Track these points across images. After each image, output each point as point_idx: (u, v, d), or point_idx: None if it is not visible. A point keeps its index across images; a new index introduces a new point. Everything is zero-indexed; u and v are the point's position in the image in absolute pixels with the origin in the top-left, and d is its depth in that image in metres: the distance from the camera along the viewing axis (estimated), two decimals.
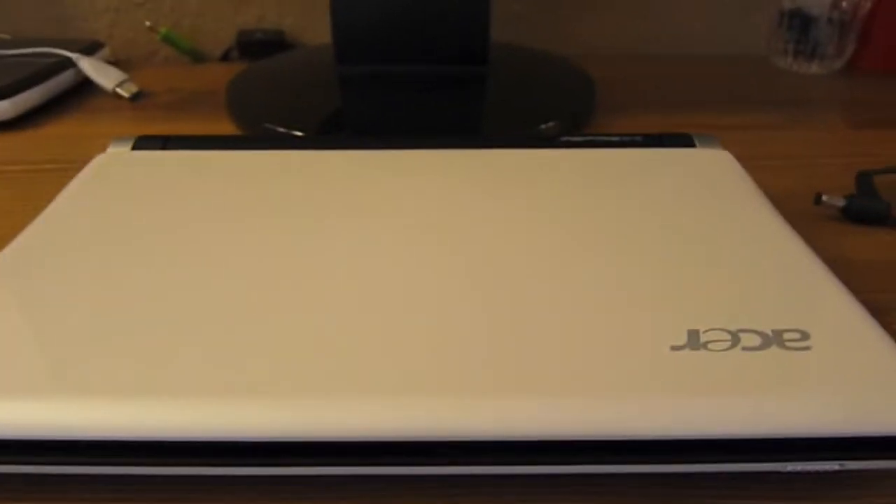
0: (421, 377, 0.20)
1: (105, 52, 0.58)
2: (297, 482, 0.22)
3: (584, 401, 0.20)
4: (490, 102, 0.48)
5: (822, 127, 0.48)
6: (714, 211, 0.29)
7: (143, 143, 0.35)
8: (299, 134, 0.43)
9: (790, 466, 0.20)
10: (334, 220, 0.28)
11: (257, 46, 0.63)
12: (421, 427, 0.19)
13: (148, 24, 0.61)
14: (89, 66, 0.53)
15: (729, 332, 0.22)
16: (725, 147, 0.35)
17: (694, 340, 0.22)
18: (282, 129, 0.43)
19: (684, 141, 0.36)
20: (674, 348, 0.21)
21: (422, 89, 0.48)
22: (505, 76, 0.51)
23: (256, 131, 0.44)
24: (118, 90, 0.52)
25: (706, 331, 0.22)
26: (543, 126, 0.44)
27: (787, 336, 0.22)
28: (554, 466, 0.20)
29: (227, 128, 0.47)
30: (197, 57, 0.64)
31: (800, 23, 0.59)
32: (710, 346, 0.21)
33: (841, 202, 0.36)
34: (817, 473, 0.22)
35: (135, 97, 0.53)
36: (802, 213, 0.37)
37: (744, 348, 0.21)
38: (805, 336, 0.22)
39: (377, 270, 0.25)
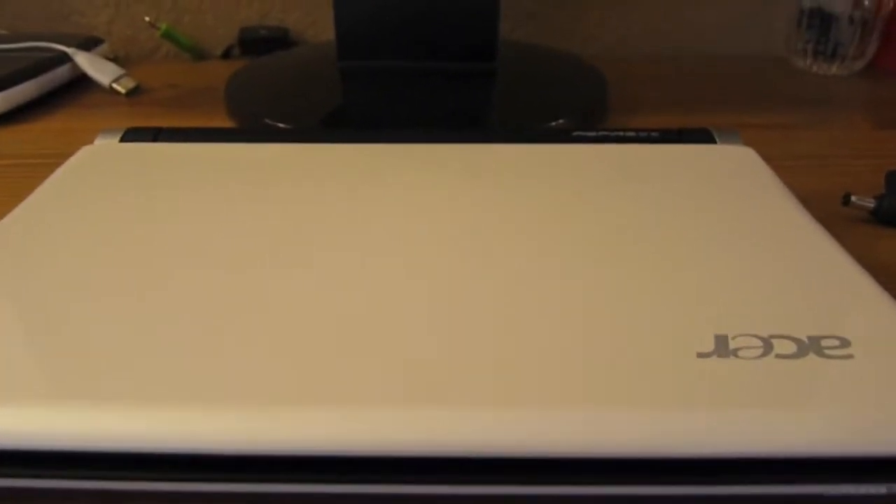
0: (424, 386, 0.18)
1: (103, 47, 0.57)
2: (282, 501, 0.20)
3: (600, 413, 0.18)
4: (498, 99, 0.46)
5: (845, 127, 0.46)
6: (739, 209, 0.27)
7: (132, 134, 0.34)
8: (295, 127, 0.41)
9: (832, 490, 0.18)
10: (331, 215, 0.26)
11: (260, 44, 0.61)
12: (428, 440, 0.17)
13: (148, 19, 0.60)
14: (85, 61, 0.51)
15: (760, 338, 0.20)
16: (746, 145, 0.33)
17: (722, 347, 0.20)
18: (282, 125, 0.41)
19: (704, 136, 0.34)
20: (700, 355, 0.19)
21: (427, 86, 0.47)
22: (514, 73, 0.49)
23: (255, 127, 0.43)
24: (114, 85, 0.51)
25: (735, 336, 0.20)
26: (553, 124, 0.42)
27: (825, 343, 0.20)
28: (565, 487, 0.18)
29: (226, 124, 0.46)
30: (198, 54, 0.63)
31: (820, 22, 0.57)
32: (740, 353, 0.19)
33: (871, 203, 0.34)
34: (862, 498, 0.20)
35: (132, 93, 0.51)
36: (830, 215, 0.35)
37: (778, 356, 0.19)
38: (845, 343, 0.20)
39: (377, 269, 0.23)
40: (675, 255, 0.24)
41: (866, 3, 0.55)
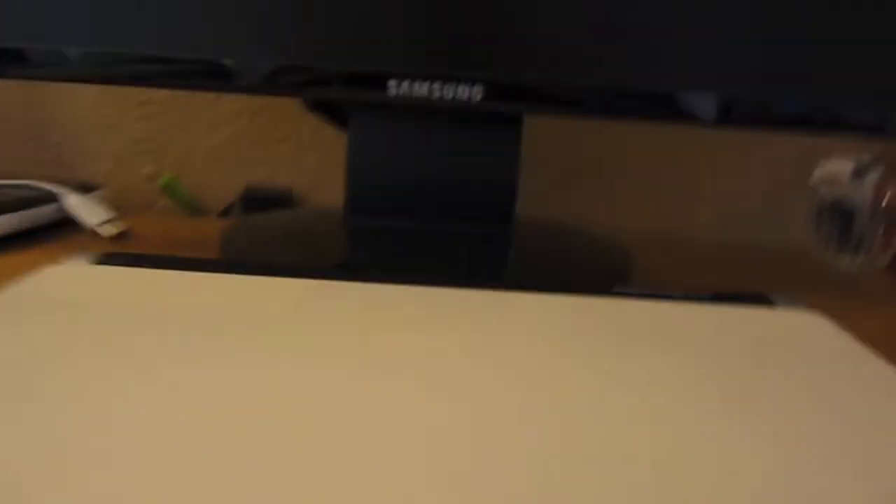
0: None
1: (98, 193, 0.54)
2: None
3: None
4: (514, 262, 0.42)
5: (887, 312, 0.42)
6: (833, 378, 0.22)
7: (108, 258, 0.29)
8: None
9: None
10: (317, 358, 0.21)
11: (262, 203, 0.59)
12: None
13: (146, 172, 0.58)
14: (73, 202, 0.48)
15: None
16: None
17: None
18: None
19: (760, 300, 0.30)
20: None
21: (438, 245, 0.43)
22: (530, 239, 0.46)
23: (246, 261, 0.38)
24: (100, 228, 0.47)
25: None
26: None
27: None
28: None
29: None
30: (196, 210, 0.60)
31: (841, 216, 0.56)
32: None
33: None
34: None
35: (119, 238, 0.48)
36: None
37: None
38: None
39: (368, 427, 0.18)
40: (779, 434, 0.19)
41: (889, 195, 0.54)
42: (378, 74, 0.40)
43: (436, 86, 0.40)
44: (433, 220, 0.46)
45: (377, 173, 0.46)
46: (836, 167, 0.56)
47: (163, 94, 0.60)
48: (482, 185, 0.46)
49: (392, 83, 0.40)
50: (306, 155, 0.61)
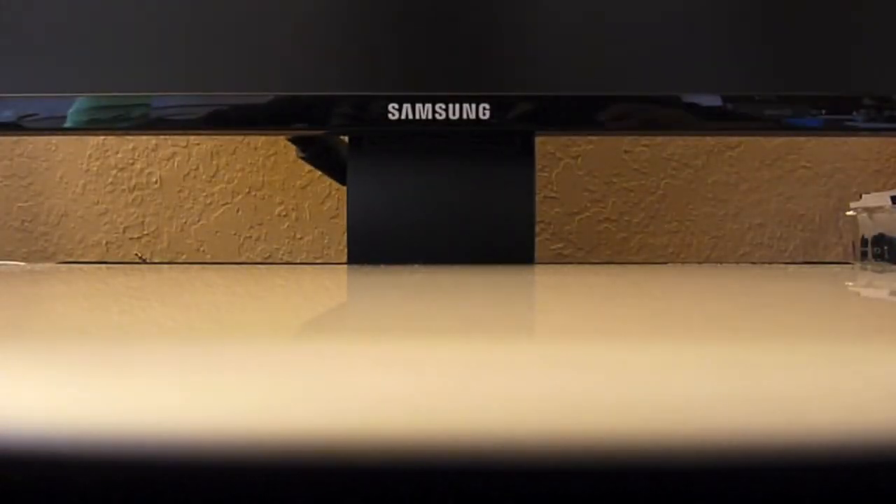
0: None
1: None
2: None
3: None
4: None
5: None
6: None
7: None
8: None
9: None
10: None
11: None
12: None
13: (137, 255, 0.55)
14: None
15: None
16: None
17: None
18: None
19: None
20: None
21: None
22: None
23: None
24: None
25: None
26: None
27: None
28: None
29: None
30: None
31: (887, 247, 0.51)
32: None
33: None
34: None
35: None
36: None
37: None
38: None
39: None
40: None
41: None
42: (377, 99, 0.38)
43: (439, 107, 0.37)
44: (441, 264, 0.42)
45: (380, 214, 0.42)
46: (876, 199, 0.52)
47: (154, 177, 0.58)
48: (496, 220, 0.42)
49: (392, 107, 0.37)
50: (307, 231, 0.58)
